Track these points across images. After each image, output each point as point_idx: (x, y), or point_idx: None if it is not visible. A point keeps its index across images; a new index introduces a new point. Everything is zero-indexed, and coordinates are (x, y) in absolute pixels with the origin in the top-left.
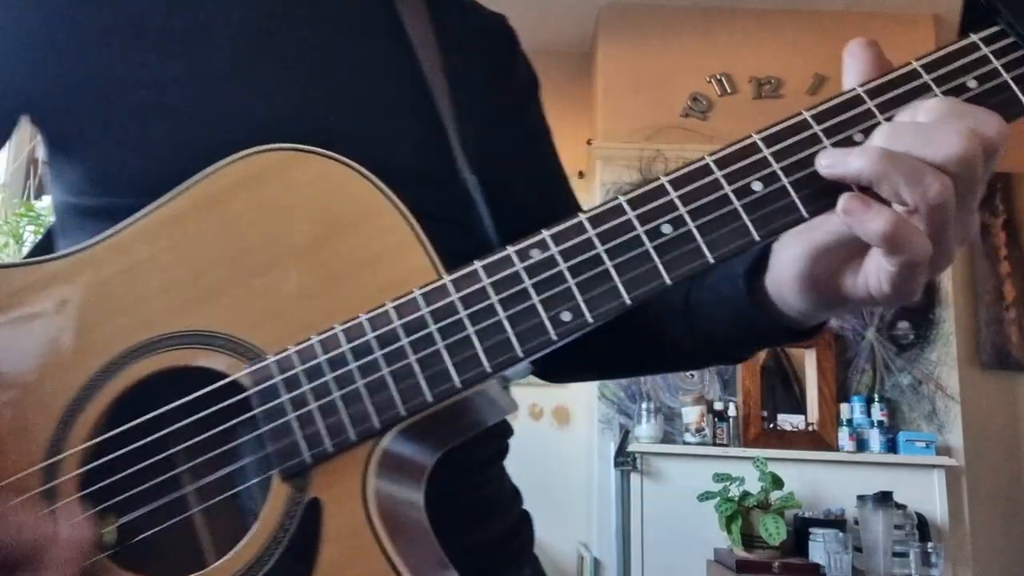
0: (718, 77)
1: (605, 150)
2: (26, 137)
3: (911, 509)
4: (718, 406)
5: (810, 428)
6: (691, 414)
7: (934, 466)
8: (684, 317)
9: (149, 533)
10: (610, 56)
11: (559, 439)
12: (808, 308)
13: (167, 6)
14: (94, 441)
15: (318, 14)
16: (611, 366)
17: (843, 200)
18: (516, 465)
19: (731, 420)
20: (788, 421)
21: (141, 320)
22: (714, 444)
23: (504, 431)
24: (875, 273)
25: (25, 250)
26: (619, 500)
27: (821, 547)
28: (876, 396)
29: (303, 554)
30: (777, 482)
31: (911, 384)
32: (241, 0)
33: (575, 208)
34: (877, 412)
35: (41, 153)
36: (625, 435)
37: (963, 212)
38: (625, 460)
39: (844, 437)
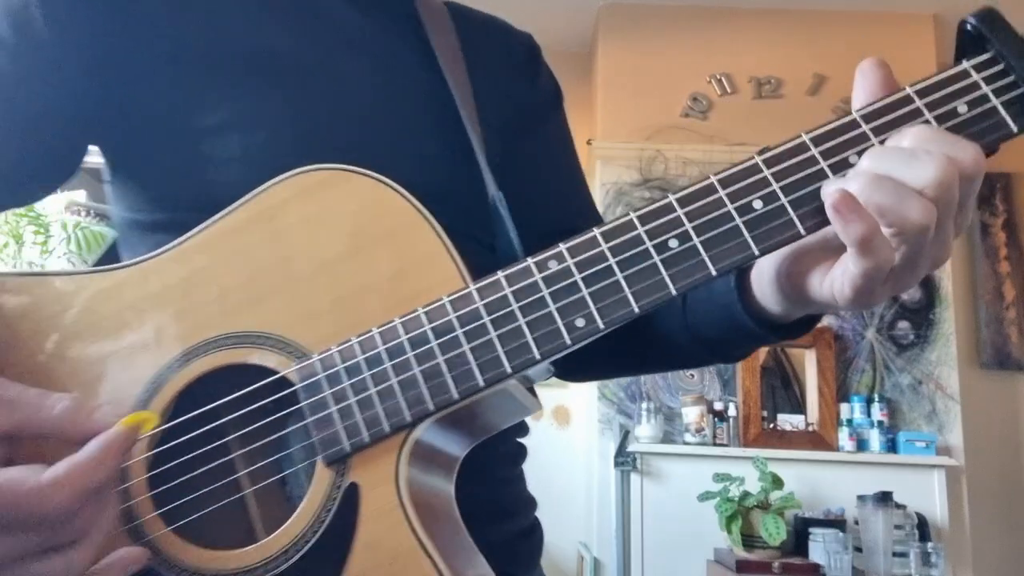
0: (718, 77)
1: (605, 150)
2: None
3: (911, 509)
4: (718, 406)
5: (810, 428)
6: (691, 414)
7: (934, 466)
8: (683, 315)
9: (206, 511)
10: (610, 56)
11: (559, 439)
12: (781, 305)
13: (221, 35)
14: (159, 428)
15: (356, 42)
16: (619, 365)
17: (835, 195)
18: None
19: (731, 420)
20: (788, 421)
21: (201, 322)
22: (714, 444)
23: (520, 428)
24: (840, 277)
25: (25, 251)
26: (619, 500)
27: (821, 547)
28: (876, 396)
29: (343, 532)
30: (777, 482)
31: (911, 384)
32: (286, 29)
33: (595, 216)
34: (877, 412)
35: (103, 173)
36: (625, 435)
37: (939, 236)
38: (625, 460)
39: (844, 437)
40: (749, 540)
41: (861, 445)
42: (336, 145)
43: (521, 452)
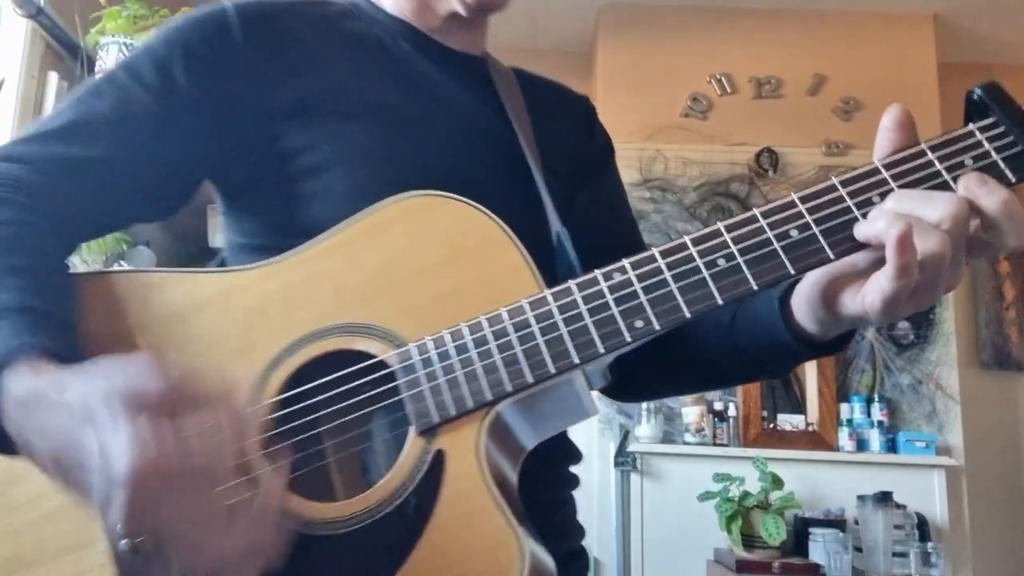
0: (718, 77)
1: None
2: None
3: (911, 509)
4: (718, 406)
5: (810, 428)
6: (691, 414)
7: (934, 466)
8: (729, 334)
9: (313, 467)
10: (610, 56)
11: None
12: (816, 325)
13: (335, 88)
14: (279, 397)
15: (442, 98)
16: (671, 383)
17: (903, 230)
18: None
19: (731, 420)
20: (788, 421)
21: (316, 313)
22: (714, 444)
23: (573, 455)
24: (872, 293)
25: None
26: (619, 500)
27: (821, 547)
28: (876, 396)
29: (430, 490)
30: (777, 482)
31: (911, 384)
32: (387, 85)
33: (643, 251)
34: (877, 412)
35: (218, 205)
36: (625, 435)
37: (953, 263)
38: (625, 460)
39: (844, 437)
40: (749, 540)
41: (861, 445)
42: (426, 183)
43: (574, 480)
